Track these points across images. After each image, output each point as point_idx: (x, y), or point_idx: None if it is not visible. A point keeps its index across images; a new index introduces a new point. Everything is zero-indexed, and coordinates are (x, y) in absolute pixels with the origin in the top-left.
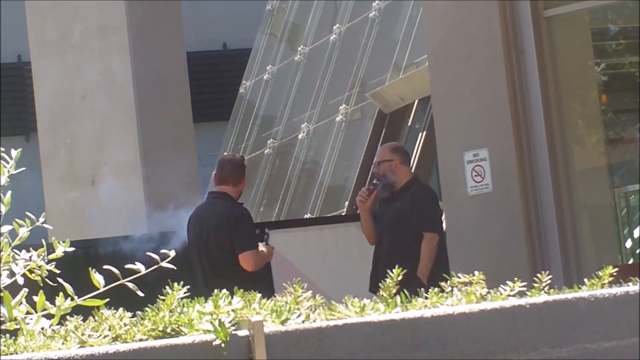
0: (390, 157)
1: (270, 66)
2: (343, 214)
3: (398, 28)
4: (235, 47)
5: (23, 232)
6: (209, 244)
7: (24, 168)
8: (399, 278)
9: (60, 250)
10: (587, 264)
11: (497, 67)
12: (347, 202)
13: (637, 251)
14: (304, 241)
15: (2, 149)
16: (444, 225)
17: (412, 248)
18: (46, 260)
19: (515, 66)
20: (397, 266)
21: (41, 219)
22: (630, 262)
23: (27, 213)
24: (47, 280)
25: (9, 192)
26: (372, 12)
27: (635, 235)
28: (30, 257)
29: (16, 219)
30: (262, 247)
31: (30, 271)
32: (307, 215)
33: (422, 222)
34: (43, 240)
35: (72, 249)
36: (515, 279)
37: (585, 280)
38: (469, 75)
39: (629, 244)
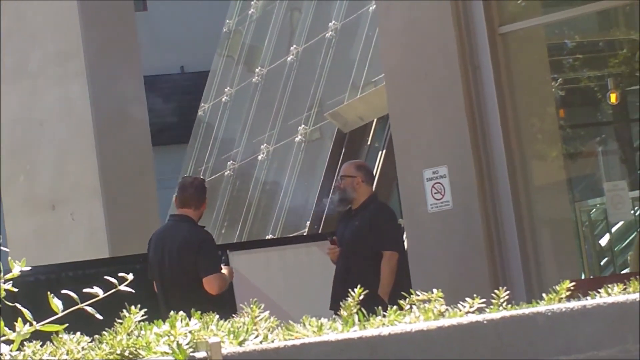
0: (354, 174)
1: (228, 88)
2: (304, 233)
3: (355, 48)
4: (193, 70)
5: None
6: (171, 266)
7: None
8: (360, 297)
9: (16, 269)
10: (549, 279)
11: (454, 84)
12: (308, 222)
13: (601, 264)
14: (266, 262)
15: None
16: (405, 243)
17: (371, 267)
18: (2, 281)
19: (472, 83)
20: (358, 285)
21: None
22: (592, 277)
23: None
24: (5, 301)
25: None
26: (328, 33)
27: (598, 248)
28: None
29: None
30: (223, 269)
31: None
32: (269, 236)
33: (380, 241)
34: None
35: (29, 268)
36: (475, 295)
37: (544, 295)
38: (427, 93)
39: (591, 258)
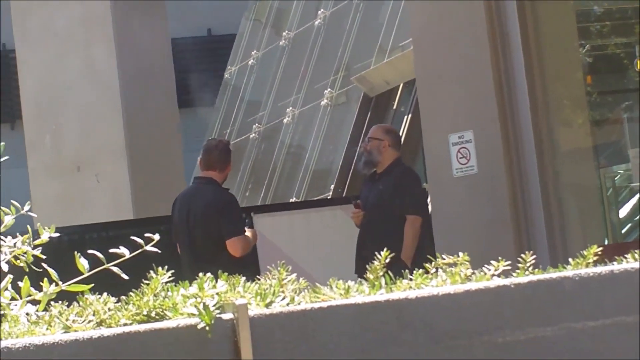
0: (382, 137)
1: (255, 51)
2: (329, 197)
3: (383, 12)
4: (220, 33)
5: (8, 220)
6: (195, 228)
7: (7, 157)
8: (386, 260)
9: (45, 235)
10: (573, 245)
11: (481, 49)
12: (332, 186)
13: (623, 231)
14: (290, 225)
15: None
16: (429, 207)
17: (395, 230)
18: (32, 246)
19: (499, 48)
20: (385, 248)
21: (26, 207)
22: (617, 242)
23: (12, 201)
24: (32, 266)
25: None
26: None
27: (621, 215)
28: (14, 243)
29: (1, 207)
30: (247, 231)
31: (16, 258)
32: (293, 199)
33: (404, 205)
34: (28, 227)
35: (57, 234)
36: (500, 258)
37: (570, 260)
38: (454, 58)
39: (615, 224)
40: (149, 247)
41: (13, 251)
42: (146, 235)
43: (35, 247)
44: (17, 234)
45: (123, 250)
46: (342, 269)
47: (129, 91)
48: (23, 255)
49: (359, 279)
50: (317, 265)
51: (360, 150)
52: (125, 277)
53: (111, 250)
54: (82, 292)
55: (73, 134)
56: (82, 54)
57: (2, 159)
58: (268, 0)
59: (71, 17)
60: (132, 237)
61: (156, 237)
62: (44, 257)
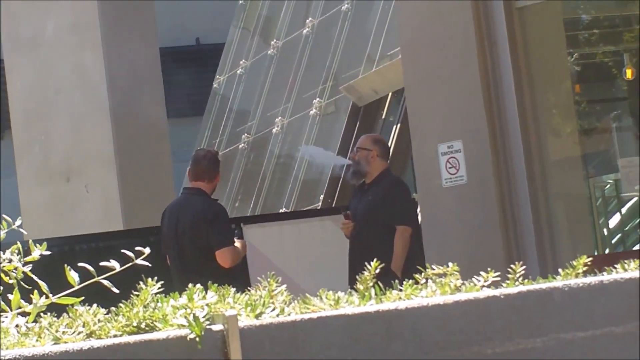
0: (370, 147)
1: (243, 60)
2: (318, 207)
3: (371, 21)
4: (209, 42)
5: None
6: (184, 239)
7: None
8: (376, 271)
9: (36, 253)
10: (563, 255)
11: (470, 58)
12: (322, 196)
13: (612, 241)
14: (280, 235)
15: None
16: (418, 217)
17: (385, 241)
18: (22, 262)
19: (488, 57)
20: (374, 259)
21: (17, 222)
22: (606, 252)
23: (3, 215)
24: (22, 283)
25: None
26: (344, 5)
27: (611, 225)
28: (7, 259)
29: None
30: (236, 242)
31: (5, 273)
32: (283, 210)
33: (393, 216)
34: (18, 243)
35: (49, 252)
36: (489, 269)
37: (560, 270)
38: (442, 67)
39: (604, 234)
40: (139, 261)
41: (3, 267)
42: (137, 248)
43: (25, 263)
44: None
45: (113, 263)
46: (332, 280)
47: (118, 100)
48: (13, 271)
49: (349, 290)
50: (306, 276)
51: (348, 160)
52: (116, 290)
53: (102, 264)
54: (72, 304)
55: (62, 142)
56: (71, 62)
57: None
58: (256, 9)
59: (60, 24)
60: (123, 250)
61: (147, 250)
62: (33, 276)
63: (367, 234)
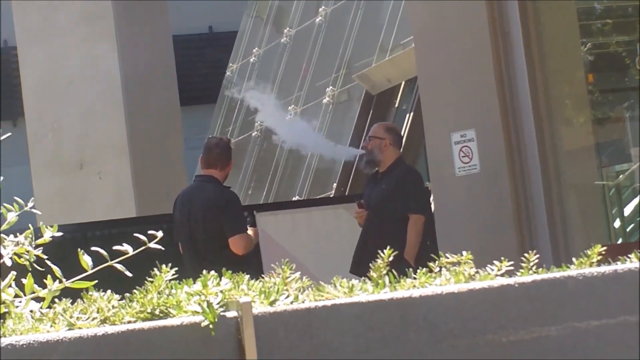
0: (382, 136)
1: (256, 49)
2: (331, 196)
3: (384, 9)
4: (221, 30)
5: (11, 216)
6: (197, 227)
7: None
8: (390, 259)
9: (48, 235)
10: (576, 244)
11: (483, 47)
12: (335, 184)
13: (626, 230)
14: (293, 223)
15: None
16: (432, 206)
17: (398, 229)
18: (34, 245)
19: (501, 47)
20: (388, 247)
21: (30, 204)
22: (619, 241)
23: (15, 198)
24: (35, 265)
25: (1, 178)
26: None
27: (624, 214)
28: (17, 241)
29: (4, 204)
30: (249, 230)
31: (18, 255)
32: (296, 198)
33: (407, 204)
34: (30, 225)
35: (60, 234)
36: (503, 258)
37: (574, 259)
38: (455, 57)
39: (617, 223)
40: (152, 244)
41: (15, 249)
42: (149, 232)
43: (37, 246)
44: (17, 233)
45: (126, 247)
46: (345, 268)
47: (130, 88)
48: (25, 254)
49: (363, 278)
50: (319, 264)
51: (361, 149)
52: (129, 274)
53: (114, 248)
54: (86, 289)
55: (75, 131)
56: (84, 50)
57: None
58: None
59: (73, 13)
60: (135, 235)
61: (159, 234)
62: (45, 257)
63: (381, 223)
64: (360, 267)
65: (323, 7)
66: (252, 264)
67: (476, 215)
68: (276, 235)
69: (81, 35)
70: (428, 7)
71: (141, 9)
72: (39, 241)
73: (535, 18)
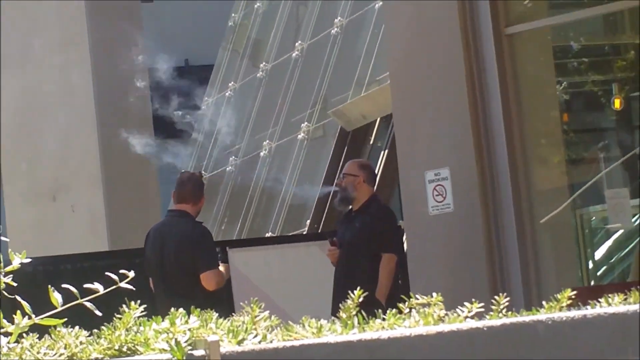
0: (356, 173)
1: (232, 82)
2: (304, 232)
3: (360, 45)
4: (198, 64)
5: None
6: (168, 262)
7: None
8: (360, 300)
9: (16, 262)
10: (548, 286)
11: (458, 85)
12: (308, 221)
13: (598, 273)
14: (265, 260)
15: None
16: (404, 245)
17: (370, 268)
18: (3, 273)
19: (477, 84)
20: (358, 287)
21: None
22: (592, 284)
23: None
24: (4, 293)
25: None
26: (334, 29)
27: (597, 257)
28: None
29: None
30: (220, 266)
31: None
32: (269, 234)
33: (379, 243)
34: None
35: (29, 260)
36: (474, 300)
37: (544, 303)
38: (431, 94)
39: (590, 265)
40: (123, 284)
41: None
42: (121, 271)
43: (6, 274)
44: None
45: (97, 286)
46: (317, 306)
47: (105, 118)
48: None
49: (332, 318)
50: (291, 301)
51: (335, 186)
52: (99, 313)
53: (85, 285)
54: (55, 326)
55: (49, 161)
56: (59, 79)
57: None
58: (245, 31)
59: (48, 42)
60: (107, 273)
61: (131, 274)
62: (14, 284)
63: (353, 261)
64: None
65: (300, 41)
66: (223, 301)
67: (449, 254)
68: (248, 272)
69: (56, 63)
70: (404, 44)
71: (117, 38)
72: (8, 268)
73: (511, 56)
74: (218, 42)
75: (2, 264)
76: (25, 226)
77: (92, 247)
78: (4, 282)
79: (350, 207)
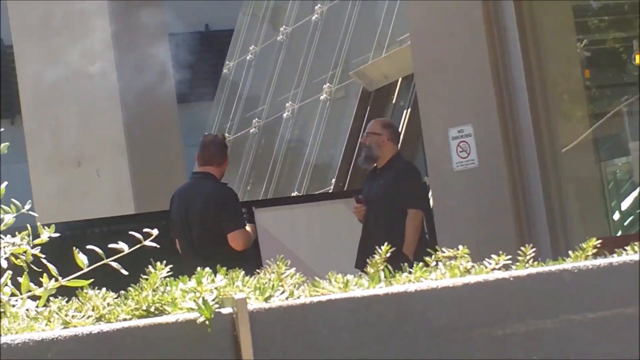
0: (380, 132)
1: (253, 46)
2: (330, 191)
3: (380, 6)
4: (218, 28)
5: (8, 218)
6: (194, 223)
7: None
8: (387, 254)
9: (45, 235)
10: (575, 238)
11: (479, 43)
12: (333, 180)
13: (624, 224)
14: (292, 219)
15: None
16: (430, 201)
17: (397, 225)
18: (31, 245)
19: (497, 43)
20: (385, 243)
21: (27, 206)
22: (618, 234)
23: (12, 200)
24: (32, 265)
25: (5, 183)
26: None
27: (623, 208)
28: (14, 242)
29: (2, 205)
30: (247, 226)
31: (15, 256)
32: (295, 193)
33: (405, 200)
34: (28, 225)
35: (57, 234)
36: (500, 252)
37: (570, 252)
38: (452, 53)
39: (616, 216)
40: (148, 242)
41: (12, 250)
42: (145, 230)
43: (34, 246)
44: (16, 232)
45: (122, 245)
46: (344, 263)
47: (127, 85)
48: (23, 255)
49: (359, 273)
50: (318, 259)
51: (359, 145)
52: (125, 272)
53: (110, 246)
54: (82, 287)
55: (73, 128)
56: (80, 47)
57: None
58: None
59: (69, 10)
60: (131, 232)
61: (155, 232)
62: (43, 256)
63: (380, 218)
64: (363, 262)
65: (319, 4)
66: (251, 260)
67: (474, 209)
68: (275, 231)
69: (77, 32)
70: (424, 4)
71: (137, 6)
72: (37, 241)
73: (531, 14)
74: (238, 7)
75: (30, 237)
76: (51, 194)
77: (118, 212)
78: (32, 255)
79: (375, 165)
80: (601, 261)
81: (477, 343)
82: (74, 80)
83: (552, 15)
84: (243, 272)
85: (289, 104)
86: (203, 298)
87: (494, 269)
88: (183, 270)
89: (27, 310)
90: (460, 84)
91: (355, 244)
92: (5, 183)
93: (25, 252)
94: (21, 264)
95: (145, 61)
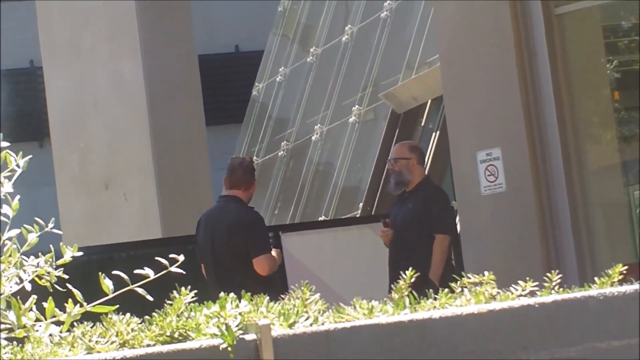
0: (408, 156)
1: (282, 68)
2: (357, 215)
3: (410, 28)
4: (248, 50)
5: (32, 237)
6: (221, 248)
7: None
8: (412, 280)
9: (68, 255)
10: (602, 263)
11: (508, 65)
12: (361, 204)
13: None
14: (319, 244)
15: (13, 154)
16: (457, 225)
17: (424, 249)
18: (54, 267)
19: (527, 64)
20: (411, 268)
21: (50, 225)
22: None
23: (35, 218)
24: (56, 286)
25: (17, 197)
26: (383, 12)
27: None
28: (37, 263)
29: (25, 225)
30: (272, 251)
31: (39, 277)
32: (322, 218)
33: (433, 224)
34: (51, 246)
35: (81, 253)
36: (527, 278)
37: (596, 279)
38: (481, 75)
39: None
40: (173, 269)
41: (36, 271)
42: (171, 256)
43: (57, 267)
44: (39, 253)
45: (148, 271)
46: (370, 288)
47: (156, 108)
48: (46, 275)
49: (384, 299)
50: (345, 284)
51: (387, 172)
52: (150, 298)
53: (136, 271)
54: (106, 313)
55: (100, 151)
56: (109, 70)
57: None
58: (295, 16)
59: (97, 33)
60: (157, 258)
61: (181, 257)
62: (66, 277)
63: (407, 243)
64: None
65: (349, 25)
66: (277, 285)
67: (502, 234)
68: (302, 256)
69: (106, 54)
70: (454, 25)
71: (166, 27)
72: (60, 262)
73: (560, 36)
74: (268, 28)
75: (54, 258)
76: (79, 217)
77: (145, 236)
78: (56, 276)
79: (404, 189)
80: (627, 288)
81: None
82: (102, 102)
83: (581, 36)
84: (267, 298)
85: (318, 127)
86: (227, 324)
87: (520, 295)
88: (209, 296)
89: (50, 335)
90: (489, 106)
91: (381, 269)
92: (18, 197)
93: (48, 273)
94: (45, 284)
95: (174, 84)
